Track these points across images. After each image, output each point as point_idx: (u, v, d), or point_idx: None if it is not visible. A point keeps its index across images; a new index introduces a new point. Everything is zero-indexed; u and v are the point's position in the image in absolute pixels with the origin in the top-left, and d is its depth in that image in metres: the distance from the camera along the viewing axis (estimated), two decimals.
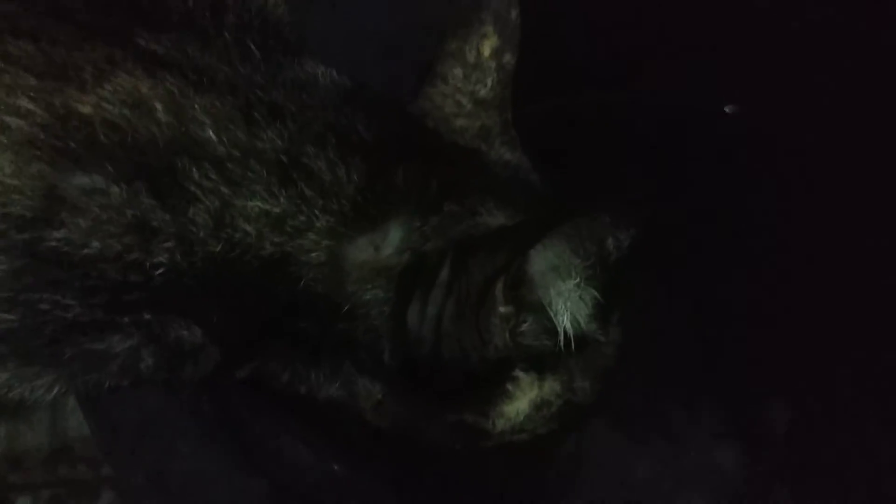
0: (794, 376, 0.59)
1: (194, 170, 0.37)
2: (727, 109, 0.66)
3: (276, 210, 0.38)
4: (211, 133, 0.37)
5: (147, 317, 0.37)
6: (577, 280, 0.39)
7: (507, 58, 0.45)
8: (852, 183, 0.61)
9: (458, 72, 0.45)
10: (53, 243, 0.35)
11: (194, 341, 0.38)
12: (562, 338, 0.41)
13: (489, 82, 0.45)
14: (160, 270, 0.36)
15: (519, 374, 0.42)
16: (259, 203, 0.37)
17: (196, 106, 0.37)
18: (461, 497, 0.53)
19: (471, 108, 0.45)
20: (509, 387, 0.43)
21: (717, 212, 0.61)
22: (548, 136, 0.48)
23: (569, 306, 0.40)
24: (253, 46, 0.41)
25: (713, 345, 0.59)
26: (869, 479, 0.55)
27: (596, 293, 0.40)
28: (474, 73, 0.45)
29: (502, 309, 0.40)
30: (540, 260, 0.39)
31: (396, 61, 0.58)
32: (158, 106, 0.37)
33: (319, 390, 0.42)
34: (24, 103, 0.35)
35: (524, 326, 0.41)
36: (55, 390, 0.37)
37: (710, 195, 0.61)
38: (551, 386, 0.44)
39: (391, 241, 0.41)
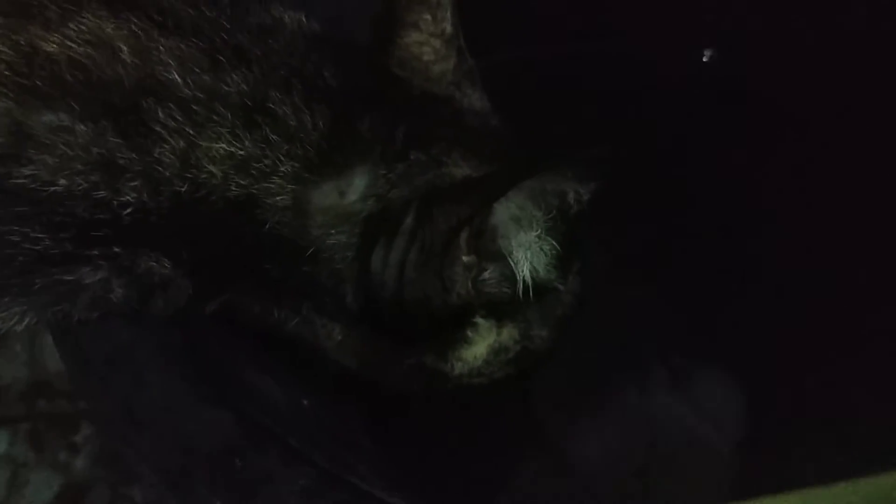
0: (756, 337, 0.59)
1: (159, 110, 0.37)
2: (705, 55, 0.66)
3: (242, 153, 0.39)
4: (176, 75, 0.37)
5: (116, 250, 0.37)
6: (538, 231, 0.40)
7: None
8: (828, 135, 0.60)
9: (427, 16, 0.45)
10: (21, 180, 0.36)
11: (164, 273, 0.39)
12: (521, 287, 0.42)
13: (448, 16, 0.46)
14: (128, 210, 0.37)
15: (479, 320, 0.44)
16: (224, 145, 0.38)
17: (161, 48, 0.38)
18: (428, 436, 0.55)
19: (445, 51, 0.46)
20: (469, 332, 0.44)
21: (685, 164, 0.61)
22: (510, 88, 0.49)
23: (529, 256, 0.41)
24: None
25: (673, 297, 0.61)
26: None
27: (555, 244, 0.41)
28: (438, 12, 0.46)
29: (466, 258, 0.41)
30: (503, 211, 0.40)
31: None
32: (123, 47, 0.37)
33: (284, 326, 0.44)
34: None
35: (486, 275, 0.42)
36: (26, 320, 0.38)
37: (677, 147, 0.61)
38: (509, 333, 0.45)
39: (356, 188, 0.42)
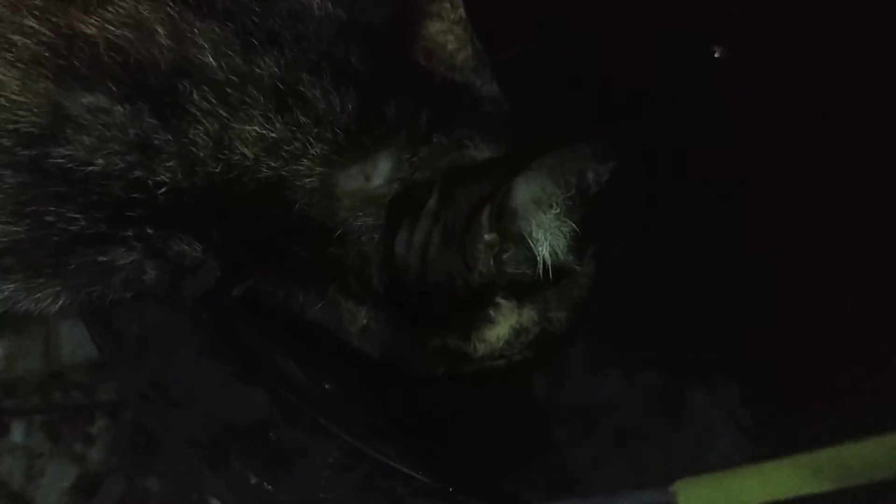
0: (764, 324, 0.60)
1: (194, 93, 0.38)
2: (716, 52, 0.68)
3: (273, 135, 0.39)
4: (210, 58, 0.38)
5: (149, 231, 0.38)
6: (557, 211, 0.41)
7: None
8: (834, 132, 0.61)
9: (447, 4, 0.47)
10: (59, 159, 0.36)
11: (195, 256, 0.40)
12: (541, 267, 0.43)
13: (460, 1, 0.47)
14: (163, 189, 0.38)
15: (500, 300, 0.45)
16: (256, 128, 0.39)
17: (196, 30, 0.38)
18: (445, 422, 0.55)
19: (465, 36, 0.47)
20: (492, 312, 0.45)
21: (694, 154, 0.63)
22: (525, 81, 0.50)
23: (548, 237, 0.42)
24: None
25: (682, 283, 0.62)
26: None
27: (574, 225, 0.42)
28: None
29: (487, 236, 0.42)
30: (523, 191, 0.41)
31: None
32: (160, 29, 0.38)
33: (308, 311, 0.45)
34: (30, 22, 0.36)
35: (506, 255, 0.43)
36: (60, 301, 0.39)
37: (686, 137, 0.63)
38: (529, 314, 0.46)
39: (381, 171, 0.43)
